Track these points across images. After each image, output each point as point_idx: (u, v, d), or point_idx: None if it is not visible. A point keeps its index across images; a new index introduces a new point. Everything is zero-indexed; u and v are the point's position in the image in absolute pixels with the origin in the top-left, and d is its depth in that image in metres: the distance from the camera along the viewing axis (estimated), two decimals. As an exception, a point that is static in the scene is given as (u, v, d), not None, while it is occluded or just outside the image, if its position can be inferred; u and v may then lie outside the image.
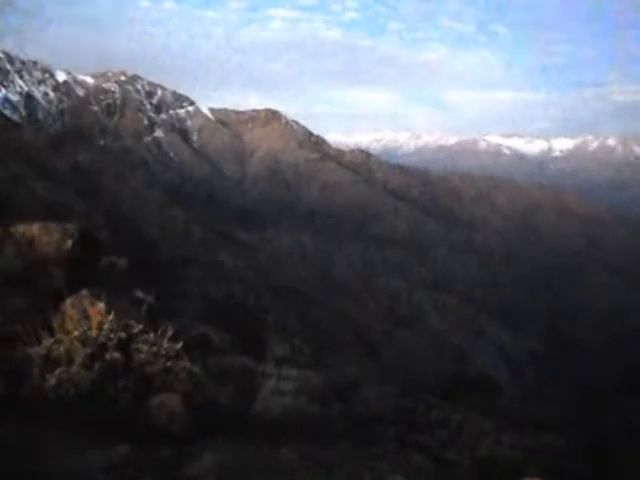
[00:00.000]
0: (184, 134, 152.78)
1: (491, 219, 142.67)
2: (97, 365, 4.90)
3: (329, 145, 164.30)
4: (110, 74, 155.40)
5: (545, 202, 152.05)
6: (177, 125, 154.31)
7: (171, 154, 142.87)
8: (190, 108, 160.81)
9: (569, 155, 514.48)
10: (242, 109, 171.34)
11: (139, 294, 8.55)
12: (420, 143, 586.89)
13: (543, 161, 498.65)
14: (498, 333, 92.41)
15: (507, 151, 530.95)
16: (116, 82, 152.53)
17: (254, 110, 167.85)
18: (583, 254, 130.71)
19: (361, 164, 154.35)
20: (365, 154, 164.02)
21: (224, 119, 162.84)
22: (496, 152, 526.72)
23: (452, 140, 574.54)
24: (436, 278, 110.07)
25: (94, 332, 5.09)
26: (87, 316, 5.38)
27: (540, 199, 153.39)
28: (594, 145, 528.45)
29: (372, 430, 5.93)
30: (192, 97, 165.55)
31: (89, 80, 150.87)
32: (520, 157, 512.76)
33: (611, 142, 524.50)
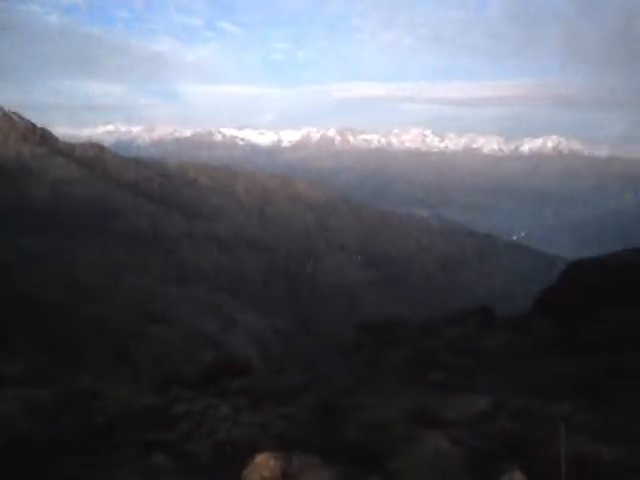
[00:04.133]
0: None
1: (230, 208, 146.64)
2: None
3: (57, 139, 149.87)
4: None
5: (279, 190, 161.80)
6: None
7: None
8: None
9: (296, 146, 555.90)
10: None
11: None
12: (155, 136, 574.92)
13: (274, 151, 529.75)
14: (247, 317, 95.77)
15: (241, 142, 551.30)
16: None
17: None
18: (315, 237, 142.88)
19: (94, 158, 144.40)
20: (98, 148, 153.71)
21: None
22: (231, 143, 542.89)
23: (188, 132, 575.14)
24: (182, 271, 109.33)
25: None
26: None
27: (274, 188, 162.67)
28: (317, 136, 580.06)
29: (111, 437, 5.64)
30: None
31: None
32: (253, 148, 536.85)
33: (331, 133, 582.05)
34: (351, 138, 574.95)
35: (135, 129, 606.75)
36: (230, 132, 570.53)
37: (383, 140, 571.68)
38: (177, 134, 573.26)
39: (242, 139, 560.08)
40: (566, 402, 7.58)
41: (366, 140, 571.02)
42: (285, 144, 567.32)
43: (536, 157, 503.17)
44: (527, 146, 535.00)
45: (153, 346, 62.49)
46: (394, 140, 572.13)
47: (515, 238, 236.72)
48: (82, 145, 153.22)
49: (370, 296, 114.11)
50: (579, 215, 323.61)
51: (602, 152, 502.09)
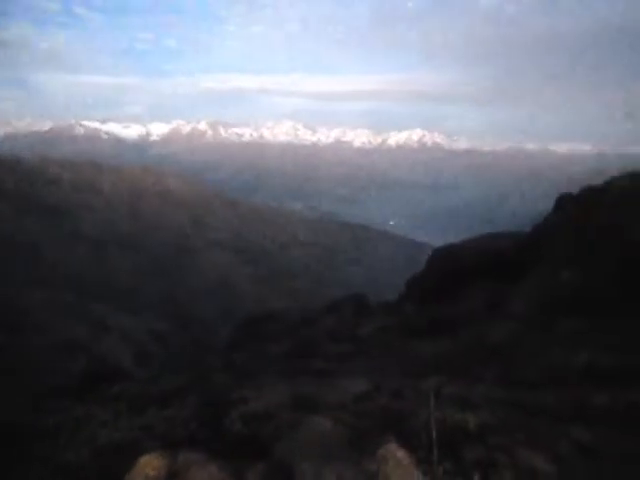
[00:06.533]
0: None
1: (97, 206, 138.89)
2: None
3: None
4: None
5: (148, 186, 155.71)
6: None
7: None
8: None
9: (165, 139, 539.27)
10: None
11: None
12: (9, 129, 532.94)
13: (142, 145, 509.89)
14: (121, 321, 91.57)
15: (105, 136, 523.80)
16: None
17: None
18: (189, 234, 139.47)
19: None
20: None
21: None
22: (94, 137, 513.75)
23: (46, 126, 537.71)
24: (47, 275, 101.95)
25: None
26: None
27: (143, 183, 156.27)
28: (187, 129, 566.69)
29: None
30: None
31: None
32: (119, 141, 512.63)
33: (202, 126, 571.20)
34: (222, 131, 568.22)
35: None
36: (93, 125, 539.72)
37: (255, 133, 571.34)
38: (34, 127, 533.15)
39: (106, 132, 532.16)
40: (435, 377, 8.20)
41: (238, 133, 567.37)
42: (154, 137, 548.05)
43: (402, 149, 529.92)
44: (394, 139, 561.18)
45: (19, 357, 57.99)
46: (266, 133, 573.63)
47: (386, 227, 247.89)
48: None
49: (249, 291, 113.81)
50: (441, 204, 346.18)
51: (461, 145, 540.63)
